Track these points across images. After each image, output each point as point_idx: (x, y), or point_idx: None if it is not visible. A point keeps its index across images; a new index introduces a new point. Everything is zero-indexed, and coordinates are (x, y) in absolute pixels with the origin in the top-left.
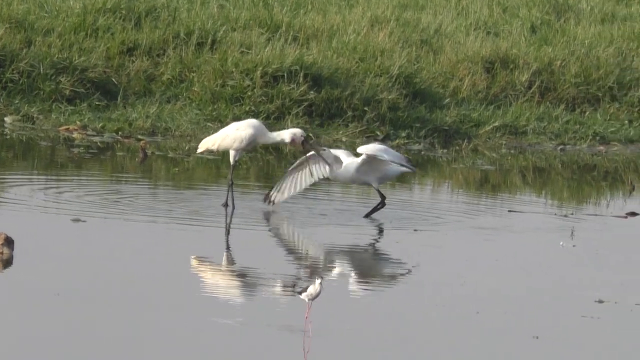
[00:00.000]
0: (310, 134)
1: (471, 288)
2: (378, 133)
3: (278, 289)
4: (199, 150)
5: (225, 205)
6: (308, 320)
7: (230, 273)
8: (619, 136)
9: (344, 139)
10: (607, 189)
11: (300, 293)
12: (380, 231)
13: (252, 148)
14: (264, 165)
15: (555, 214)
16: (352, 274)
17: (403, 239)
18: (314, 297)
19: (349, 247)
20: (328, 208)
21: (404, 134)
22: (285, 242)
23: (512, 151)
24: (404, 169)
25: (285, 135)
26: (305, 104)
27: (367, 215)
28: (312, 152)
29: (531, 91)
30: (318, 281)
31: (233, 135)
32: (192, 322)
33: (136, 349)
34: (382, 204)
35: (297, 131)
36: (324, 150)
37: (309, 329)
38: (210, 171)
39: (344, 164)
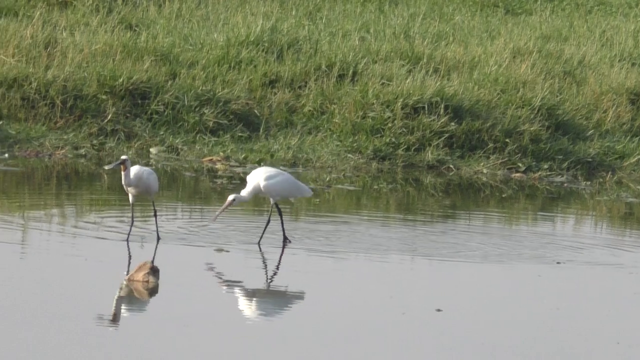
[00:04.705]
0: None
1: (616, 322)
2: (520, 165)
3: None
4: None
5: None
6: None
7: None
8: None
9: (484, 171)
10: None
11: None
12: (522, 264)
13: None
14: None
15: None
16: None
17: (545, 272)
18: None
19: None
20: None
21: (546, 166)
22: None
23: None
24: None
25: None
26: (446, 135)
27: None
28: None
29: None
30: None
31: None
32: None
33: None
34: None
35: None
36: None
37: None
38: (350, 201)
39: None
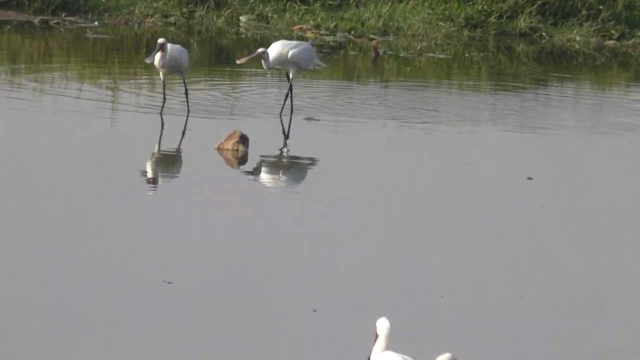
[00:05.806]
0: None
1: None
2: (613, 32)
3: None
4: None
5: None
6: None
7: None
8: None
9: (577, 39)
10: None
11: None
12: (614, 132)
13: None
14: None
15: None
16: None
17: (638, 140)
18: None
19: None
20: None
21: (639, 33)
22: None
23: None
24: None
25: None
26: (539, 2)
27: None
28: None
29: None
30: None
31: None
32: None
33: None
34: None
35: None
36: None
37: None
38: (441, 70)
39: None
